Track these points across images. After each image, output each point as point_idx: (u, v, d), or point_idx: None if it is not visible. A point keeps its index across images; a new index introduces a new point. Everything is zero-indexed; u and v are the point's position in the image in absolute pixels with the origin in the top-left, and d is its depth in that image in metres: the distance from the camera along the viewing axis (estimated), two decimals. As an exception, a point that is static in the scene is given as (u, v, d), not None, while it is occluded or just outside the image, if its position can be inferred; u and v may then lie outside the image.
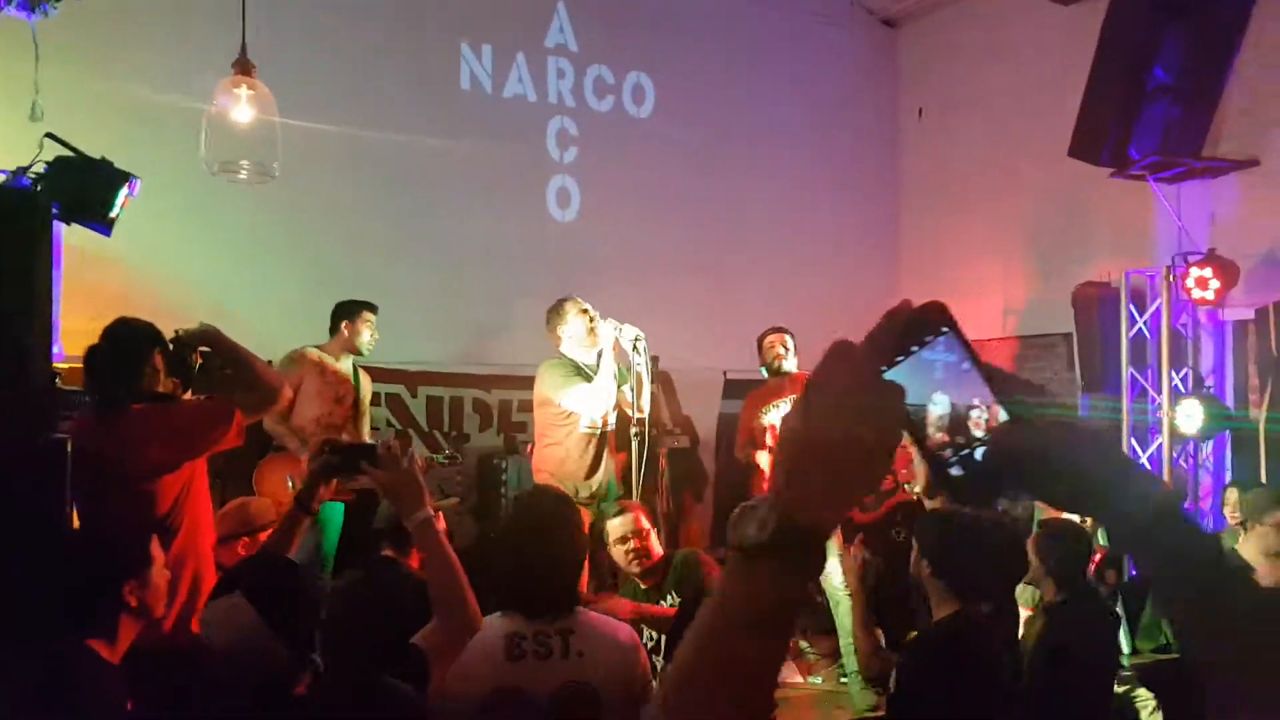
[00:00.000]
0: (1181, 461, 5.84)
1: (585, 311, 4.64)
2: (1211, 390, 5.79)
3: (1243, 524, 4.34)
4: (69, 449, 2.99)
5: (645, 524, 3.67)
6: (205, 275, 5.31)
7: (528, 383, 5.68)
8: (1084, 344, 6.14)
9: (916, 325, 0.76)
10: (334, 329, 4.98)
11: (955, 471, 0.76)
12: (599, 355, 4.55)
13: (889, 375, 0.74)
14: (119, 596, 2.25)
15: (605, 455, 4.66)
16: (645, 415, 4.58)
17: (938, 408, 0.77)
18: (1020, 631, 3.56)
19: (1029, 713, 2.87)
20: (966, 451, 0.76)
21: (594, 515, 4.60)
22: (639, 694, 2.33)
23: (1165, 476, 5.72)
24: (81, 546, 2.48)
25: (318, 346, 4.94)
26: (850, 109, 7.77)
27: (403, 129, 6.03)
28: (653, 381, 4.70)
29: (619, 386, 4.61)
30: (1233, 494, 4.46)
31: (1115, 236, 6.32)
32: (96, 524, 2.97)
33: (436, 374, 6.00)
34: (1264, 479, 5.07)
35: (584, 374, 4.58)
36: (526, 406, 6.07)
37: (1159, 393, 5.78)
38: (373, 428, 5.59)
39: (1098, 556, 4.69)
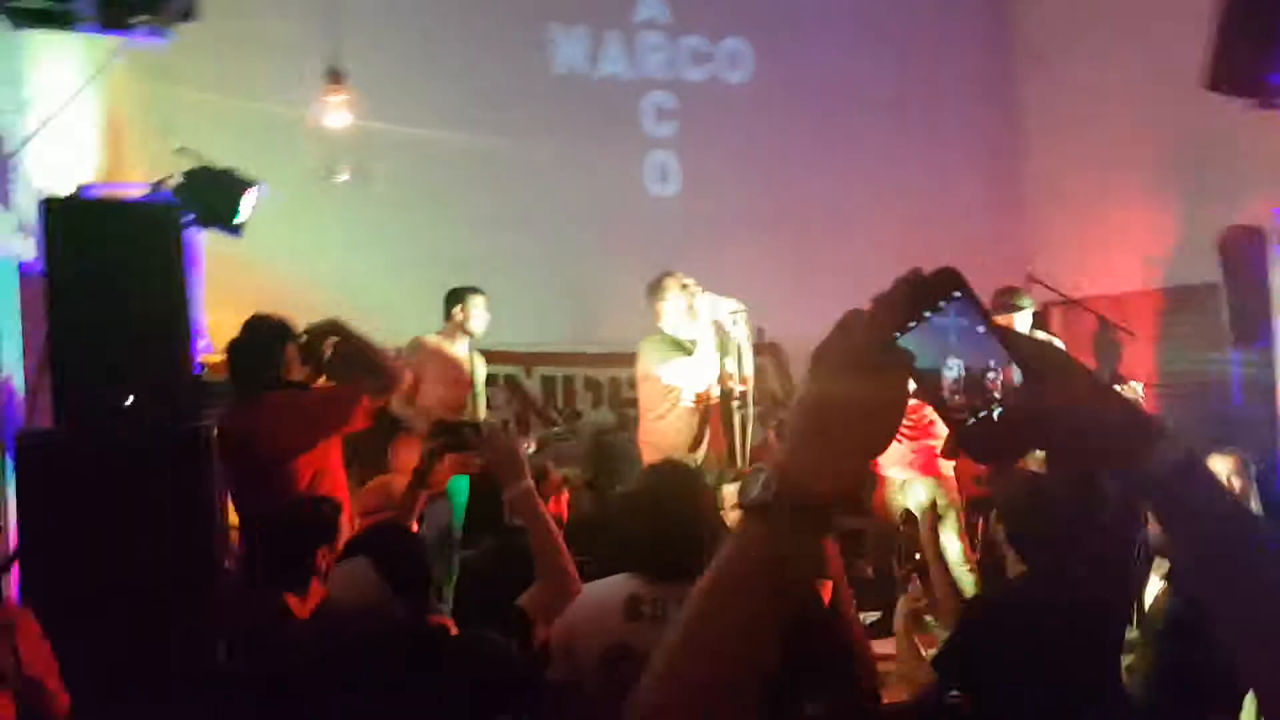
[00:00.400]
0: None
1: (686, 287, 4.67)
2: (1379, 338, 5.26)
3: None
4: (209, 435, 3.32)
5: None
6: (327, 271, 5.63)
7: (636, 360, 5.79)
8: (1233, 293, 5.67)
9: (928, 290, 0.77)
10: (447, 315, 5.19)
11: (974, 432, 0.77)
12: (699, 332, 4.57)
13: (902, 342, 0.75)
14: (314, 559, 2.52)
15: (707, 428, 4.68)
16: (748, 387, 4.57)
17: (952, 371, 0.77)
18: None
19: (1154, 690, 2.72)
20: (985, 412, 0.76)
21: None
22: None
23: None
24: (291, 515, 2.79)
25: (436, 334, 5.15)
26: (961, 56, 7.41)
27: (500, 119, 6.18)
28: (757, 354, 4.69)
29: (721, 359, 4.61)
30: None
31: (1263, 174, 5.79)
32: (257, 500, 3.29)
33: (549, 354, 6.18)
34: None
35: (684, 348, 4.62)
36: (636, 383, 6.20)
37: (1317, 343, 5.31)
38: (490, 406, 5.82)
39: None
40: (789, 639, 0.74)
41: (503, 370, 5.98)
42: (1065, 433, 0.75)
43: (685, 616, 0.75)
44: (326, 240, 5.75)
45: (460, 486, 4.91)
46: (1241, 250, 5.61)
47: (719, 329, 4.55)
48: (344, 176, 3.85)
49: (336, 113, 3.80)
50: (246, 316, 3.51)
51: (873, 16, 7.12)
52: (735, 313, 4.50)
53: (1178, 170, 6.36)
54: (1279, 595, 0.70)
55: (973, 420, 0.76)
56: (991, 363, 0.77)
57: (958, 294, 0.77)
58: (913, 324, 0.76)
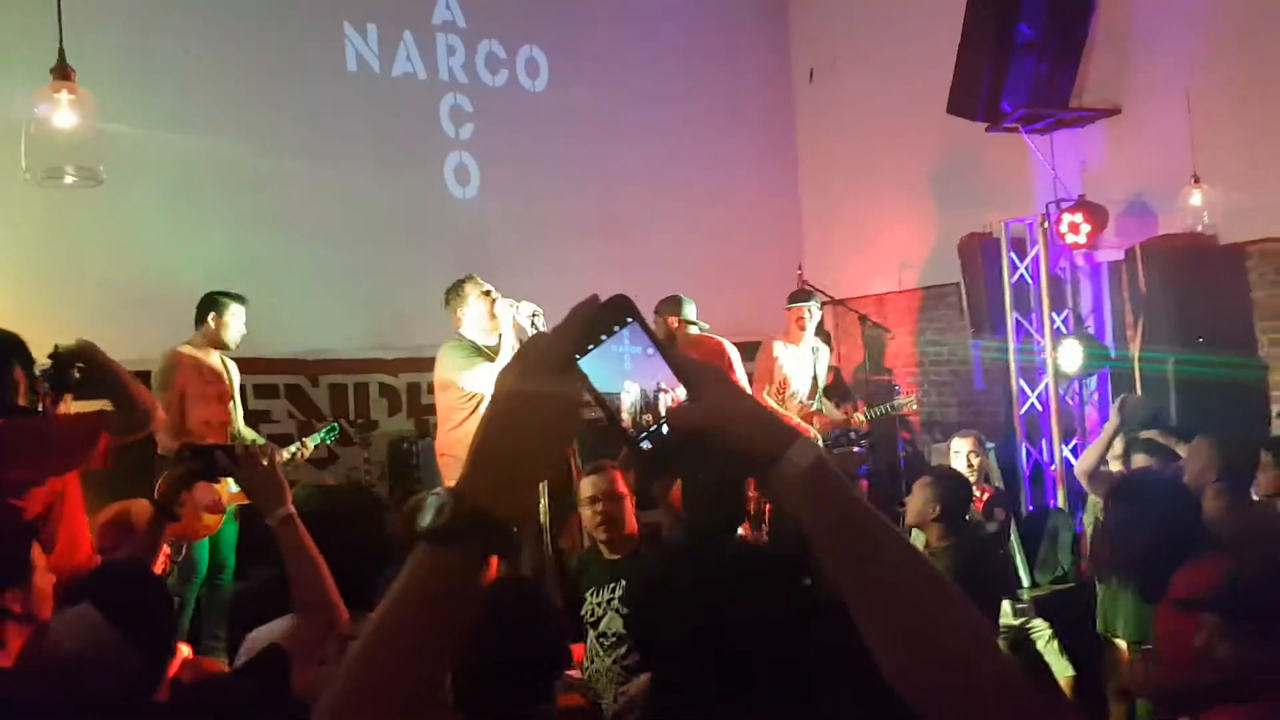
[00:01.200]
0: (1068, 399, 6.15)
1: (487, 293, 4.63)
2: (1090, 330, 6.10)
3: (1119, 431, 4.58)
4: None
5: (622, 489, 3.48)
6: (78, 282, 5.14)
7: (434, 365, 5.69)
8: (971, 292, 6.39)
9: (603, 317, 0.82)
10: (200, 321, 4.79)
11: (645, 445, 0.83)
12: (499, 337, 4.56)
13: (582, 363, 0.80)
14: (1, 605, 2.23)
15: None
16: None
17: (629, 395, 0.83)
18: None
19: None
20: (654, 428, 0.83)
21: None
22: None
23: (1053, 414, 6.03)
24: None
25: (186, 344, 4.76)
26: (745, 71, 7.85)
27: (288, 114, 5.89)
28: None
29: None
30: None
31: (996, 188, 6.57)
32: None
33: (339, 361, 5.94)
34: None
35: (485, 355, 4.59)
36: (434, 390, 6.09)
37: (1042, 335, 6.06)
38: (269, 420, 5.52)
39: (985, 495, 4.92)
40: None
41: (283, 380, 5.70)
42: (716, 441, 0.81)
43: (363, 640, 0.77)
44: (80, 249, 5.24)
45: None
46: (977, 254, 6.33)
47: (520, 333, 4.57)
48: (67, 180, 3.48)
49: (62, 112, 3.43)
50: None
51: (665, 30, 7.40)
52: (535, 316, 4.53)
53: (930, 183, 7.06)
54: (897, 577, 0.80)
55: (644, 436, 0.83)
56: (661, 383, 0.83)
57: (630, 320, 0.83)
58: (591, 347, 0.81)
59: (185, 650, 2.51)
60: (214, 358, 4.82)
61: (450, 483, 3.03)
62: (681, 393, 0.84)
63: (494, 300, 4.60)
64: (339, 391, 5.93)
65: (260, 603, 3.64)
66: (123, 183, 4.50)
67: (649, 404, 0.84)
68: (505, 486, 0.76)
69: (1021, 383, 6.17)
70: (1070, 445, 6.03)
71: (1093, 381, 6.20)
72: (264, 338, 5.19)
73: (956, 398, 7.12)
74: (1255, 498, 3.86)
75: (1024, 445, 6.20)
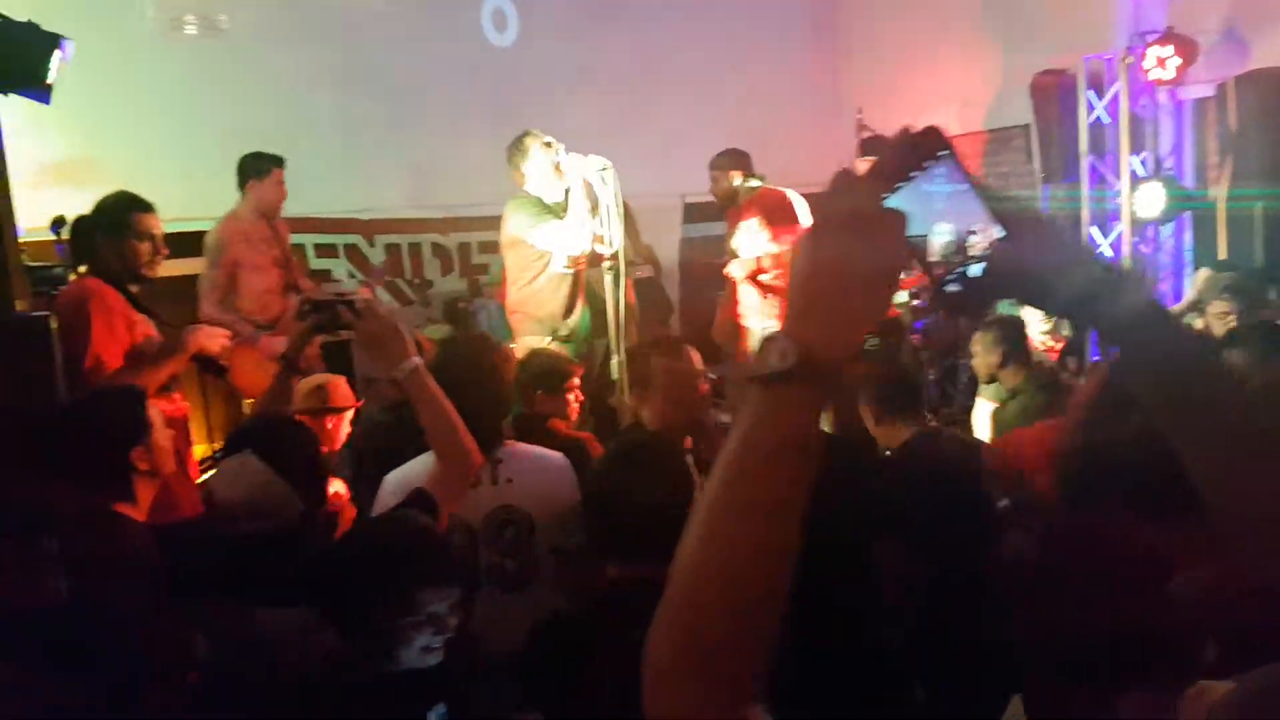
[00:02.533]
0: (1141, 247, 5.95)
1: (549, 145, 4.42)
2: (1171, 172, 5.83)
3: (1195, 305, 4.47)
4: (48, 324, 2.91)
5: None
6: (142, 136, 4.92)
7: (486, 223, 5.52)
8: (1043, 134, 6.10)
9: (914, 151, 0.78)
10: (241, 186, 4.51)
11: (953, 288, 0.80)
12: (566, 191, 4.38)
13: (890, 202, 0.76)
14: (128, 462, 2.24)
15: (579, 294, 4.58)
16: (619, 249, 4.48)
17: (941, 237, 0.80)
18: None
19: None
20: (963, 269, 0.80)
21: (572, 353, 4.58)
22: (571, 514, 2.45)
23: (1125, 262, 5.85)
24: (83, 419, 2.43)
25: (232, 213, 4.50)
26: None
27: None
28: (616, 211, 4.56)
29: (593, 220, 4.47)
30: (1204, 272, 4.54)
31: (1072, 21, 6.14)
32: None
33: (392, 221, 5.77)
34: (1222, 257, 5.20)
35: (552, 211, 4.42)
36: (487, 248, 5.93)
37: (1118, 178, 5.81)
38: (331, 279, 5.42)
39: (1059, 346, 4.84)
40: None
41: (342, 240, 5.55)
42: (1039, 285, 0.79)
43: (708, 497, 0.73)
44: (139, 102, 4.98)
45: None
46: (1052, 93, 6.00)
47: (589, 191, 4.38)
48: (189, 29, 3.27)
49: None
50: (51, 190, 3.03)
51: None
52: (603, 170, 4.32)
53: (992, 19, 6.62)
54: (1235, 409, 0.78)
55: (951, 279, 0.80)
56: (974, 223, 0.79)
57: (943, 153, 0.78)
58: (900, 184, 0.76)
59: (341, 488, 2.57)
60: (263, 223, 4.62)
61: (523, 339, 3.05)
62: (995, 231, 0.80)
63: (556, 153, 4.39)
64: (394, 251, 5.79)
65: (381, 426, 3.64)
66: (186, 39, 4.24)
67: (960, 245, 0.80)
68: (836, 329, 0.73)
69: (1093, 230, 5.96)
70: (1140, 293, 5.89)
71: (1168, 228, 5.98)
72: (318, 195, 5.01)
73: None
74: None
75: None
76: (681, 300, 6.78)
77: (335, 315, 2.35)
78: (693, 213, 6.67)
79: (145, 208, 3.16)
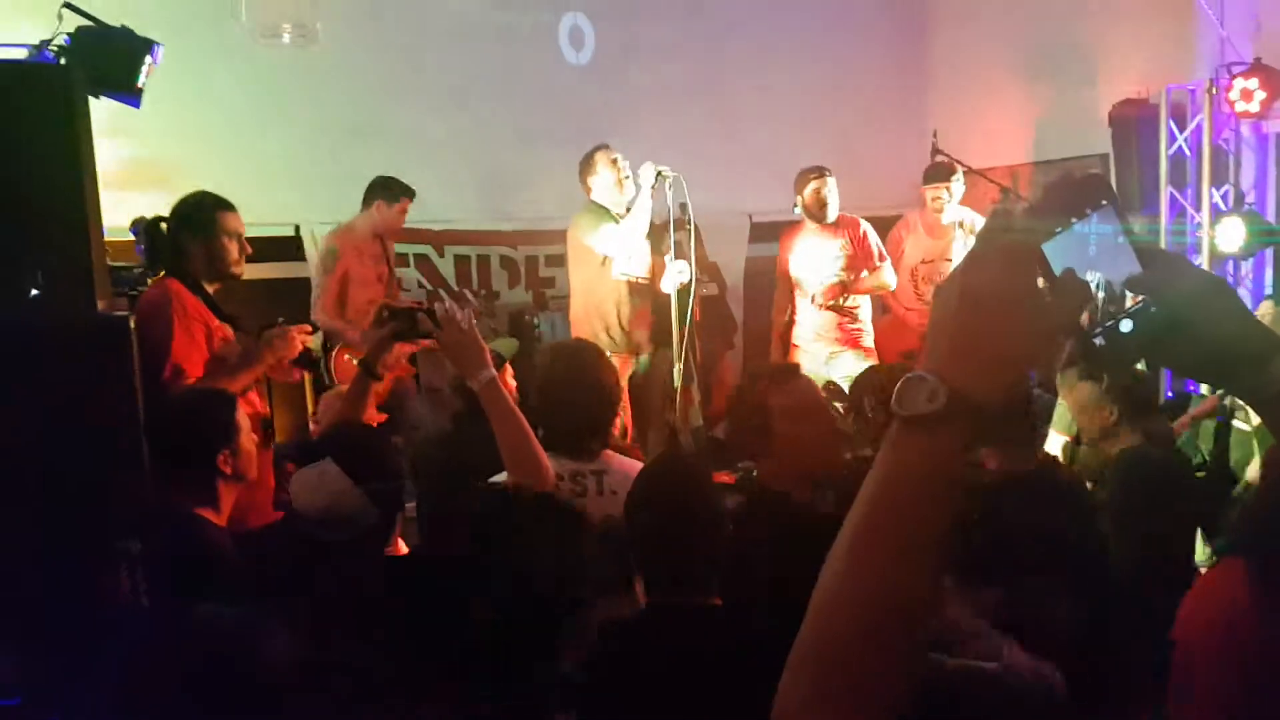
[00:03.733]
0: (1219, 281, 5.78)
1: (615, 162, 4.53)
2: (1253, 206, 5.66)
3: None
4: (126, 325, 2.98)
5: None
6: (226, 142, 5.15)
7: (553, 237, 5.63)
8: (1122, 164, 5.97)
9: (1077, 197, 0.77)
10: (366, 204, 4.75)
11: (1098, 342, 0.77)
12: (628, 205, 4.47)
13: (1046, 247, 0.75)
14: (214, 465, 2.30)
15: (643, 305, 4.64)
16: (684, 261, 4.54)
17: (1094, 285, 0.77)
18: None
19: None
20: (1111, 323, 0.77)
21: (635, 366, 4.63)
22: None
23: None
24: (172, 420, 2.51)
25: (346, 226, 4.74)
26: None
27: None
28: (678, 228, 4.62)
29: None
30: (1267, 306, 4.41)
31: (1154, 50, 6.02)
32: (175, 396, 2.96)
33: (461, 232, 5.91)
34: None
35: (613, 219, 4.52)
36: (554, 261, 6.03)
37: (1198, 211, 5.66)
38: (402, 289, 5.57)
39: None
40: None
41: (413, 250, 5.70)
42: (1185, 342, 0.75)
43: (848, 539, 0.72)
44: (225, 108, 5.22)
45: None
46: (1132, 122, 5.87)
47: (657, 197, 4.46)
48: (284, 38, 3.41)
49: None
50: (137, 190, 3.11)
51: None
52: (667, 176, 4.42)
53: (1072, 46, 6.52)
54: None
55: (1099, 331, 0.77)
56: (1125, 273, 0.77)
57: (1105, 202, 0.76)
58: (1060, 230, 0.75)
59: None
60: (374, 240, 4.78)
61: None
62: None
63: (622, 171, 4.50)
64: (463, 262, 5.92)
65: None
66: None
67: (1113, 296, 0.77)
68: (989, 372, 0.72)
69: (1170, 263, 5.81)
70: (1218, 330, 5.71)
71: (1248, 264, 5.80)
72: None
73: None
74: None
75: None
76: (745, 319, 6.79)
77: (414, 323, 2.42)
78: (759, 232, 6.68)
79: (228, 206, 3.20)
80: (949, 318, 0.73)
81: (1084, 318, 0.77)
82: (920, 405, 0.70)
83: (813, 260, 5.17)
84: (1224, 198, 5.68)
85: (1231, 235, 5.38)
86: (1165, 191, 5.72)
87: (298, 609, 2.04)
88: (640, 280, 4.62)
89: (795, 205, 5.14)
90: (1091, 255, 0.77)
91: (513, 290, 6.05)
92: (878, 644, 0.69)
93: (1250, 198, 5.77)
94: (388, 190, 4.70)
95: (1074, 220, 0.76)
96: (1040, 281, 0.74)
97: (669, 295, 4.54)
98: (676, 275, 4.45)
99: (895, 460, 0.72)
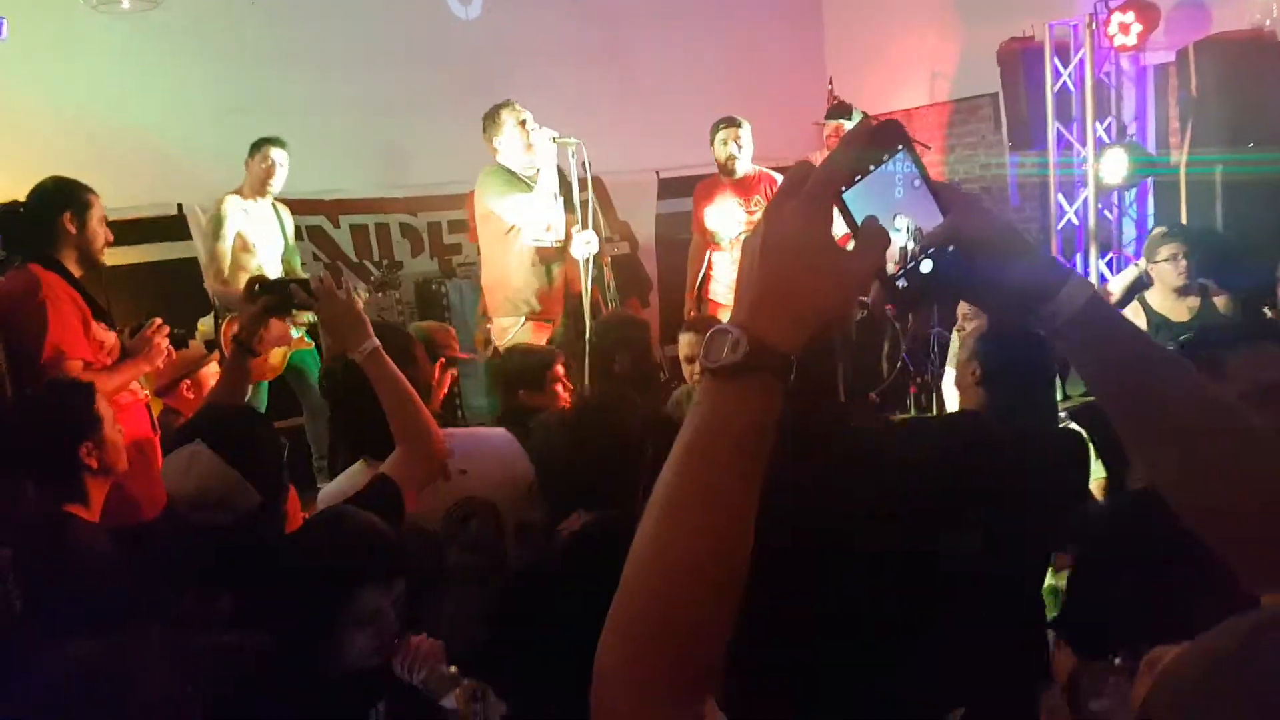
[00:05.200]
0: (1106, 213, 6.00)
1: (524, 124, 4.41)
2: (1134, 138, 5.88)
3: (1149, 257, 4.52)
4: None
5: None
6: (93, 115, 4.84)
7: (455, 202, 5.49)
8: (1010, 102, 6.12)
9: (873, 143, 0.78)
10: (247, 166, 4.62)
11: (901, 284, 0.79)
12: (538, 168, 4.37)
13: (847, 195, 0.76)
14: (77, 459, 2.19)
15: (557, 270, 4.57)
16: (591, 228, 4.48)
17: (900, 236, 0.79)
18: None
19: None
20: (913, 264, 0.79)
21: (553, 334, 4.58)
22: (528, 488, 2.43)
23: (1090, 228, 5.90)
24: (27, 414, 2.38)
25: (234, 193, 4.58)
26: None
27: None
28: (583, 189, 4.54)
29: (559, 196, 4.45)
30: (1156, 234, 4.59)
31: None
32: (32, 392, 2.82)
33: (357, 201, 5.71)
34: (1183, 222, 5.26)
35: (523, 184, 4.41)
36: (458, 228, 5.89)
37: (1084, 145, 5.85)
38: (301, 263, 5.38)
39: None
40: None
41: (306, 222, 5.48)
42: (982, 278, 0.78)
43: (661, 493, 0.72)
44: (89, 78, 4.90)
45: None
46: (1018, 60, 6.01)
47: (562, 164, 4.37)
48: (124, 5, 3.20)
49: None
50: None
51: None
52: (569, 144, 4.33)
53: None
54: (1186, 402, 0.77)
55: (900, 274, 0.79)
56: (926, 219, 0.79)
57: (900, 147, 0.78)
58: (859, 178, 0.76)
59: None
60: (263, 204, 4.62)
61: (498, 318, 2.96)
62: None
63: (529, 129, 4.38)
64: (360, 233, 5.73)
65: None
66: (133, 18, 4.15)
67: (920, 239, 0.79)
68: (789, 322, 0.72)
69: (1060, 198, 6.01)
70: (1106, 259, 5.95)
71: (1131, 194, 6.04)
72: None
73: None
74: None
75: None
76: (659, 276, 6.77)
77: (288, 296, 2.32)
78: (668, 188, 6.65)
79: (89, 190, 3.08)
80: (752, 269, 0.74)
81: (890, 262, 0.78)
82: (724, 356, 0.71)
83: (726, 213, 5.18)
84: (1107, 130, 5.88)
85: (1114, 167, 5.59)
86: (1052, 126, 5.90)
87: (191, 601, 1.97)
88: (553, 245, 4.54)
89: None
90: (895, 198, 0.78)
91: (417, 259, 5.89)
92: (691, 599, 0.69)
93: (1132, 130, 5.99)
94: (253, 147, 4.58)
95: (871, 167, 0.77)
96: (844, 229, 0.75)
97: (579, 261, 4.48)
98: (585, 245, 4.39)
99: (704, 412, 0.72)
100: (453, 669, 1.68)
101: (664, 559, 0.71)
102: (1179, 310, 4.27)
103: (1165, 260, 4.27)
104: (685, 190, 5.89)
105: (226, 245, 4.46)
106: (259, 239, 4.57)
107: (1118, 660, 0.84)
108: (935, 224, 0.79)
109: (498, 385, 3.24)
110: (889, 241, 0.76)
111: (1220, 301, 4.25)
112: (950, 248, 0.79)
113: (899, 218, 0.78)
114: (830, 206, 0.75)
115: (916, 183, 0.79)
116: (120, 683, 1.44)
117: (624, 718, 0.69)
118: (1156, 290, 4.34)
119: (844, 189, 0.76)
